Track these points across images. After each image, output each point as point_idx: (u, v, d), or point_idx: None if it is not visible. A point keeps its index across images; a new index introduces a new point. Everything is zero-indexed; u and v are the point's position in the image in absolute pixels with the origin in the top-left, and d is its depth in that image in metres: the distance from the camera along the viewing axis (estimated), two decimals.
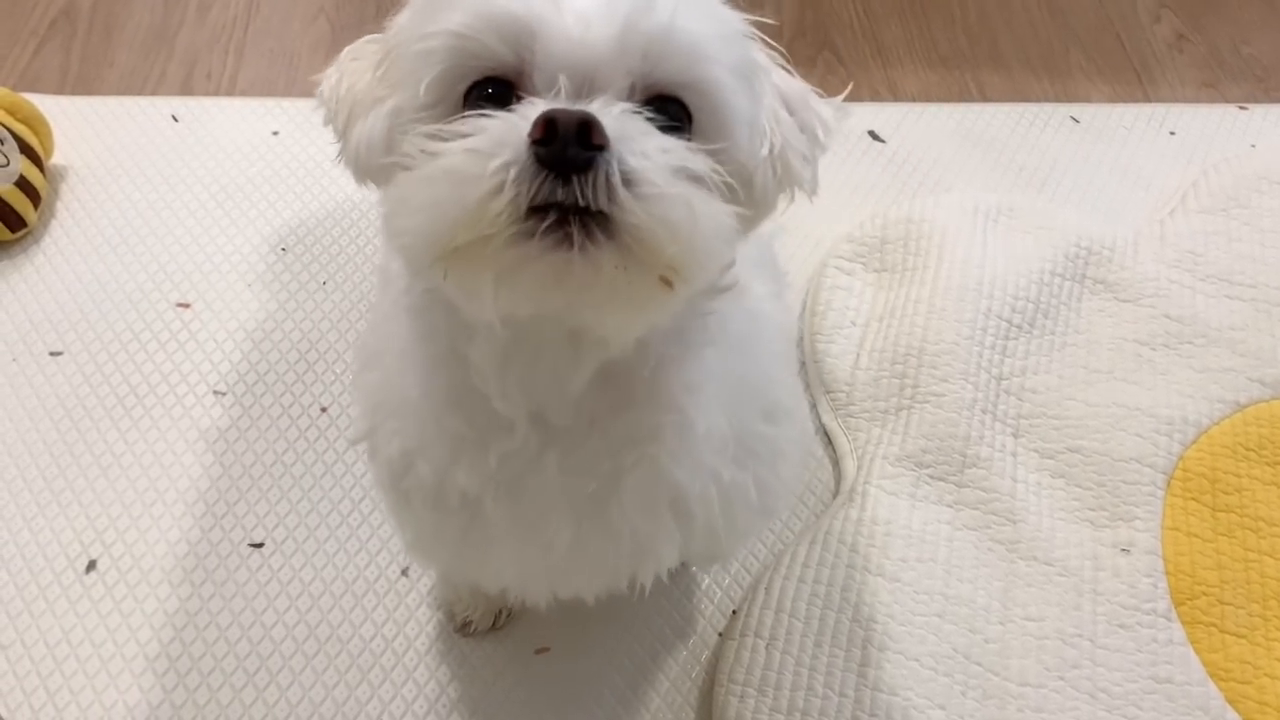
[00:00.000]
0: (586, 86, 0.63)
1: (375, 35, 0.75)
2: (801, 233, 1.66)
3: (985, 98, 1.91)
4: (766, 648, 1.17)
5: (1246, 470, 1.37)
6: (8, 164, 1.53)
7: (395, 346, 0.83)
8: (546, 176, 0.58)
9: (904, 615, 1.20)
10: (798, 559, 1.24)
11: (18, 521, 1.27)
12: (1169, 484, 1.35)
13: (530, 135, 0.58)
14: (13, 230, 1.53)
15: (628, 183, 0.58)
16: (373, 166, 0.69)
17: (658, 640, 1.21)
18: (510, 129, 0.59)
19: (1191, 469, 1.36)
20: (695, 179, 0.62)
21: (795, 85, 0.76)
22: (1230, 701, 1.16)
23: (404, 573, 1.24)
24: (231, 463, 1.34)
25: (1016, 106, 1.89)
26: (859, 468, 1.36)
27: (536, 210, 0.58)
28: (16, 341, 1.44)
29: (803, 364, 1.49)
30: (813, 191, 0.75)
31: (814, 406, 1.44)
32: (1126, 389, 1.44)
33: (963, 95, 1.91)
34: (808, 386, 1.47)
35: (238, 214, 1.62)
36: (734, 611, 1.23)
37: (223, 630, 1.20)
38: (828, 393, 1.44)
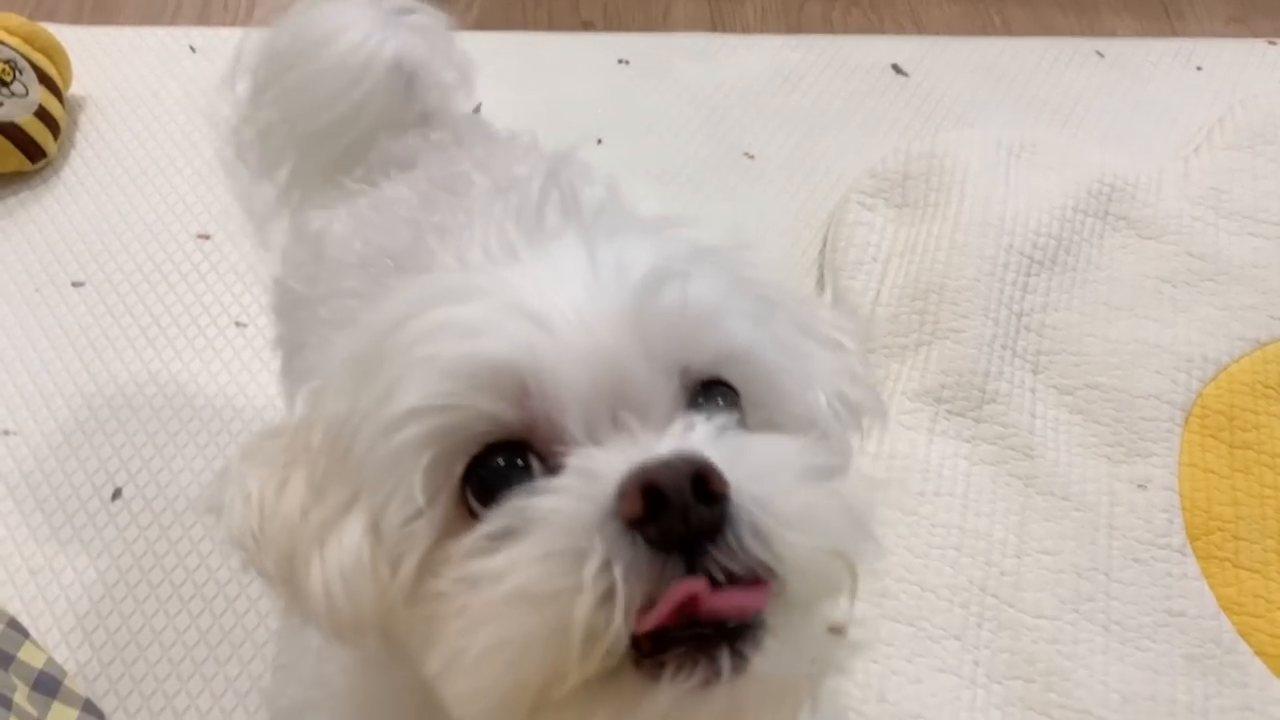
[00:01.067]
0: (624, 407, 0.49)
1: (270, 431, 0.58)
2: (822, 168, 1.65)
3: (1009, 31, 1.89)
4: None
5: (1265, 408, 1.37)
6: (27, 94, 1.52)
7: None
8: (664, 562, 0.44)
9: (921, 548, 1.21)
10: None
11: (44, 450, 1.29)
12: (1187, 420, 1.35)
13: (626, 514, 0.44)
14: (33, 161, 1.52)
15: (772, 516, 0.46)
16: (364, 614, 0.50)
17: None
18: (586, 506, 0.45)
19: (1210, 406, 1.36)
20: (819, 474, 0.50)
21: (786, 297, 0.63)
22: (1242, 634, 1.17)
23: None
24: (255, 393, 1.35)
25: (1041, 40, 1.87)
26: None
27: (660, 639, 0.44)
28: (39, 272, 1.45)
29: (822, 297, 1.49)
30: (881, 415, 0.64)
31: None
32: (1147, 326, 1.44)
33: (986, 29, 1.89)
34: None
35: None
36: None
37: None
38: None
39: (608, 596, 0.43)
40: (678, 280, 0.51)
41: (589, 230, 0.55)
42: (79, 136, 1.61)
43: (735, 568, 0.45)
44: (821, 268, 1.52)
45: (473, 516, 0.49)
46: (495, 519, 0.47)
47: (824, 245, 1.54)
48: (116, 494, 1.25)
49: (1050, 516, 1.25)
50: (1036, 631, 1.16)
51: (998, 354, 1.38)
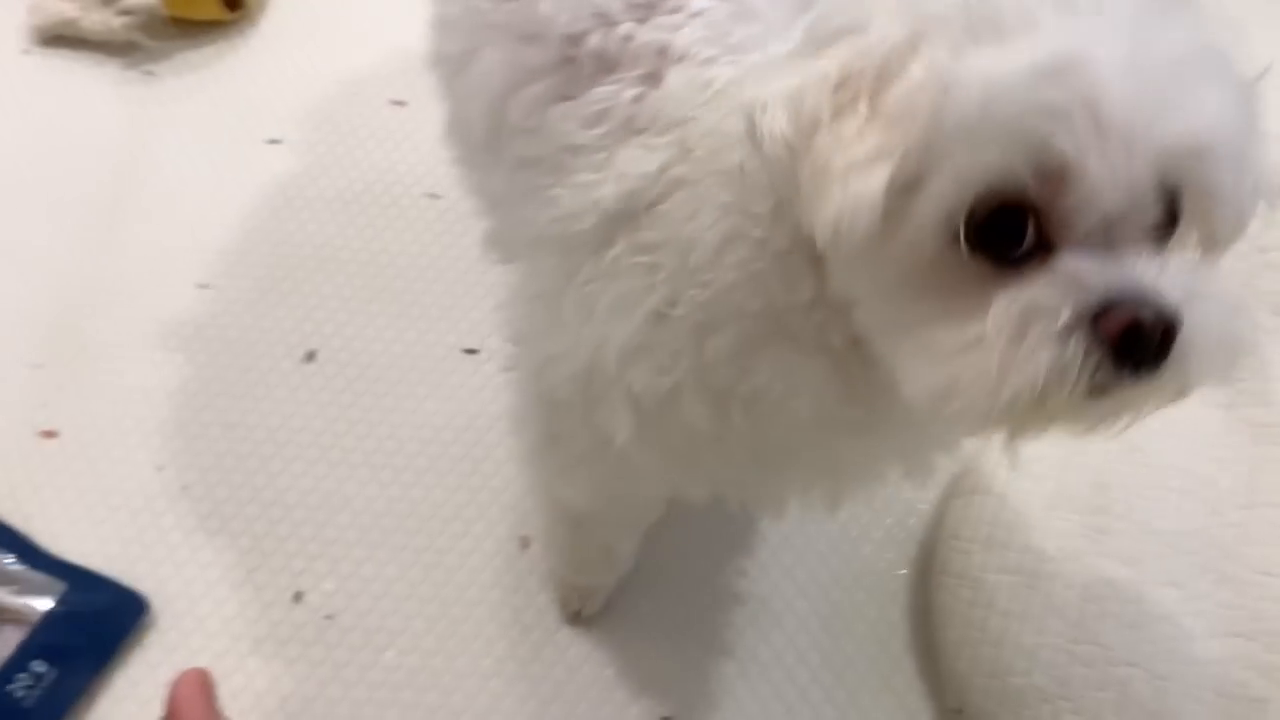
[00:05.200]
0: (1123, 220, 0.56)
1: (832, 56, 0.59)
2: None
3: None
4: (996, 505, 1.12)
5: None
6: None
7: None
8: (1111, 365, 0.55)
9: (1141, 487, 1.13)
10: None
11: (239, 307, 1.27)
12: None
13: (1106, 335, 0.54)
14: (231, 9, 1.50)
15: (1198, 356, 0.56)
16: (854, 244, 0.57)
17: None
18: (1077, 308, 0.55)
19: None
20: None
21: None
22: None
23: None
24: (445, 267, 1.31)
25: None
26: None
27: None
28: (236, 125, 1.43)
29: None
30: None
31: None
32: None
33: None
34: None
35: None
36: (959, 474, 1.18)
37: (437, 431, 1.19)
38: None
39: (1069, 377, 0.54)
40: (1210, 91, 0.56)
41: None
42: None
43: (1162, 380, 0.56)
44: None
45: (971, 241, 0.56)
46: (1019, 296, 0.55)
47: None
48: (310, 356, 1.24)
49: None
50: (1261, 588, 1.09)
51: (1236, 292, 1.28)
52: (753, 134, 0.59)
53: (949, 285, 0.58)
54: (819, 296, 0.65)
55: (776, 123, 0.58)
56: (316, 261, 1.31)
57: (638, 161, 0.72)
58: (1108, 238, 0.56)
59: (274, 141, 1.41)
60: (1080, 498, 1.13)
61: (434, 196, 1.37)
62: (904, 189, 0.56)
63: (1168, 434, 1.17)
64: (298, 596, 1.08)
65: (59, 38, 1.49)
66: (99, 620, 1.05)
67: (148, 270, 1.29)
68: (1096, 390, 0.55)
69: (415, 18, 1.56)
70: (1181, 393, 0.59)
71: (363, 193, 1.37)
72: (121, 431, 1.17)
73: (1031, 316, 0.55)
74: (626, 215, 0.73)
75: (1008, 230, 0.57)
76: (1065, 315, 0.55)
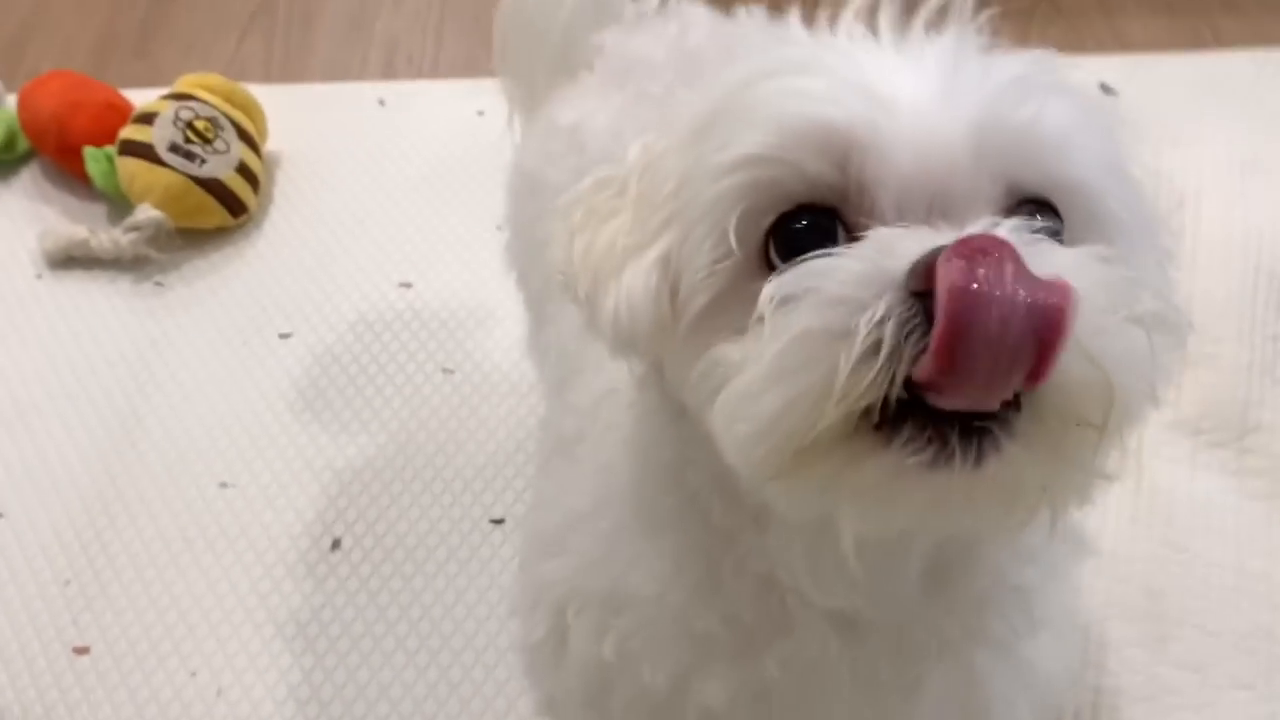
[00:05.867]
0: (939, 205, 0.49)
1: (605, 172, 0.61)
2: None
3: (1222, 44, 1.78)
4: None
5: None
6: (228, 150, 1.54)
7: (604, 526, 0.68)
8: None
9: (1197, 588, 1.11)
10: None
11: (260, 502, 1.27)
12: None
13: (915, 286, 0.44)
14: (235, 215, 1.53)
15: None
16: (640, 334, 0.55)
17: None
18: (875, 270, 0.46)
19: None
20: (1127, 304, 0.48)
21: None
22: None
23: None
24: (465, 439, 1.31)
25: (1259, 52, 1.76)
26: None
27: (904, 408, 0.45)
28: (246, 325, 1.45)
29: None
30: (1180, 333, 0.56)
31: None
32: None
33: (1196, 42, 1.78)
34: None
35: (449, 194, 1.60)
36: None
37: (470, 607, 1.17)
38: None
39: (877, 344, 0.44)
40: (1039, 97, 0.51)
41: (966, 35, 0.55)
42: (276, 191, 1.61)
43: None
44: None
45: (770, 269, 0.51)
46: (791, 271, 0.48)
47: None
48: (335, 545, 1.22)
49: None
50: None
51: (1256, 380, 1.27)
52: (564, 284, 0.59)
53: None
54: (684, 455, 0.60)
55: (562, 257, 0.59)
56: (335, 448, 1.31)
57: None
58: (930, 222, 0.49)
59: (285, 336, 1.43)
60: (1134, 605, 1.10)
61: (448, 371, 1.38)
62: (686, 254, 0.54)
63: (1211, 531, 1.15)
64: None
65: (70, 259, 1.52)
66: None
67: (168, 476, 1.29)
68: (914, 440, 0.45)
69: (417, 199, 1.61)
70: (1073, 423, 0.46)
71: (376, 374, 1.38)
72: (152, 640, 1.15)
73: (836, 292, 0.46)
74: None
75: (817, 241, 0.50)
76: (850, 270, 0.46)
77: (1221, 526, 1.16)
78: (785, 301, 0.47)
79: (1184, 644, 1.07)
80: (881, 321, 0.44)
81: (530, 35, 1.08)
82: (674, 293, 0.54)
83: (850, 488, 0.47)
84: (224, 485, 1.28)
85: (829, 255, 0.48)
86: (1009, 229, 0.46)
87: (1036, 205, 0.52)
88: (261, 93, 1.69)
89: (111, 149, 1.54)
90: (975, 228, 0.46)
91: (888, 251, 0.46)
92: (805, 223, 0.51)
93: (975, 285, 0.42)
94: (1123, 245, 0.53)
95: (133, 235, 1.48)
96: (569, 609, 0.70)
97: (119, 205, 1.55)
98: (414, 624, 1.16)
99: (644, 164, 0.58)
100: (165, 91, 1.59)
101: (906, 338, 0.44)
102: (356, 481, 1.28)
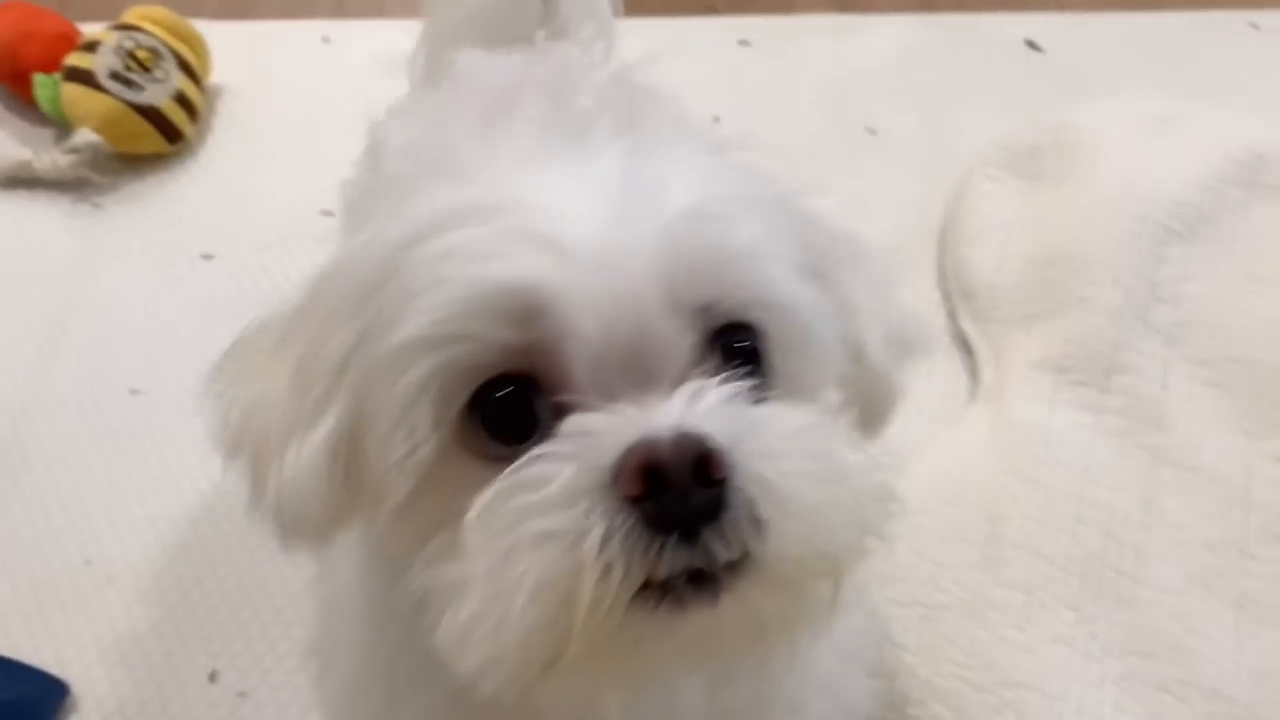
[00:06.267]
0: (634, 364, 0.48)
1: (264, 322, 0.58)
2: (948, 145, 1.60)
3: (1155, 5, 1.80)
4: (891, 547, 1.14)
5: None
6: (167, 80, 1.59)
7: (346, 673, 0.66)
8: (663, 541, 0.44)
9: (1037, 515, 1.15)
10: (927, 461, 1.21)
11: (168, 406, 1.34)
12: None
13: (625, 492, 0.44)
14: (171, 142, 1.60)
15: (770, 505, 0.45)
16: (308, 523, 0.52)
17: None
18: (582, 472, 0.45)
19: None
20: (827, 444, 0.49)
21: (831, 234, 0.60)
22: None
23: None
24: None
25: (1189, 14, 1.78)
26: (997, 373, 1.31)
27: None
28: (173, 245, 1.51)
29: (942, 271, 1.44)
30: (927, 351, 0.63)
31: (952, 314, 1.40)
32: None
33: (1129, 3, 1.81)
34: (947, 295, 1.42)
35: None
36: None
37: None
38: (967, 299, 1.39)
39: (607, 571, 0.43)
40: (717, 222, 0.49)
41: (637, 147, 0.53)
42: (216, 122, 1.68)
43: (732, 552, 0.45)
44: (942, 240, 1.47)
45: (473, 452, 0.49)
46: (495, 489, 0.46)
47: (945, 219, 1.49)
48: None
49: (1179, 490, 1.18)
50: (1160, 606, 1.09)
51: (1128, 324, 1.31)
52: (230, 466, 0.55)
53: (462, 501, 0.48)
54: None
55: (219, 421, 0.56)
56: None
57: None
58: (633, 388, 0.47)
59: (208, 257, 1.49)
60: (976, 530, 1.14)
61: None
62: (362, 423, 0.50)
63: (1061, 463, 1.19)
64: (213, 676, 1.11)
65: (16, 179, 1.59)
66: (20, 707, 1.08)
67: (85, 381, 1.36)
68: (645, 597, 0.44)
69: (345, 139, 1.66)
70: (791, 590, 0.48)
71: (291, 294, 1.44)
72: (53, 530, 1.23)
73: (515, 496, 0.45)
74: None
75: (515, 414, 0.48)
76: (559, 482, 0.44)
77: (1071, 459, 1.20)
78: (490, 527, 0.46)
79: (1017, 566, 1.11)
80: (606, 545, 0.43)
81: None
82: (353, 472, 0.51)
83: (612, 670, 0.47)
84: (134, 392, 1.35)
85: (531, 462, 0.45)
86: (713, 403, 0.46)
87: (733, 328, 0.51)
88: (212, 27, 1.75)
89: (58, 76, 1.60)
90: (669, 416, 0.46)
91: (592, 445, 0.45)
92: (505, 392, 0.48)
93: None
94: (826, 339, 0.54)
95: (72, 157, 1.55)
96: None
97: (65, 130, 1.61)
98: None
99: (303, 313, 0.55)
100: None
101: (636, 548, 0.44)
102: None
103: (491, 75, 0.90)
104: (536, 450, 0.46)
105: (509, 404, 0.48)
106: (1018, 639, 1.06)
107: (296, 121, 1.67)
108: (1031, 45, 1.74)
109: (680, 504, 0.44)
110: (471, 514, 0.46)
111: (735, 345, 0.51)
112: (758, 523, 0.45)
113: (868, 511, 0.50)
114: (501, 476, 0.46)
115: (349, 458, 0.51)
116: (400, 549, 0.51)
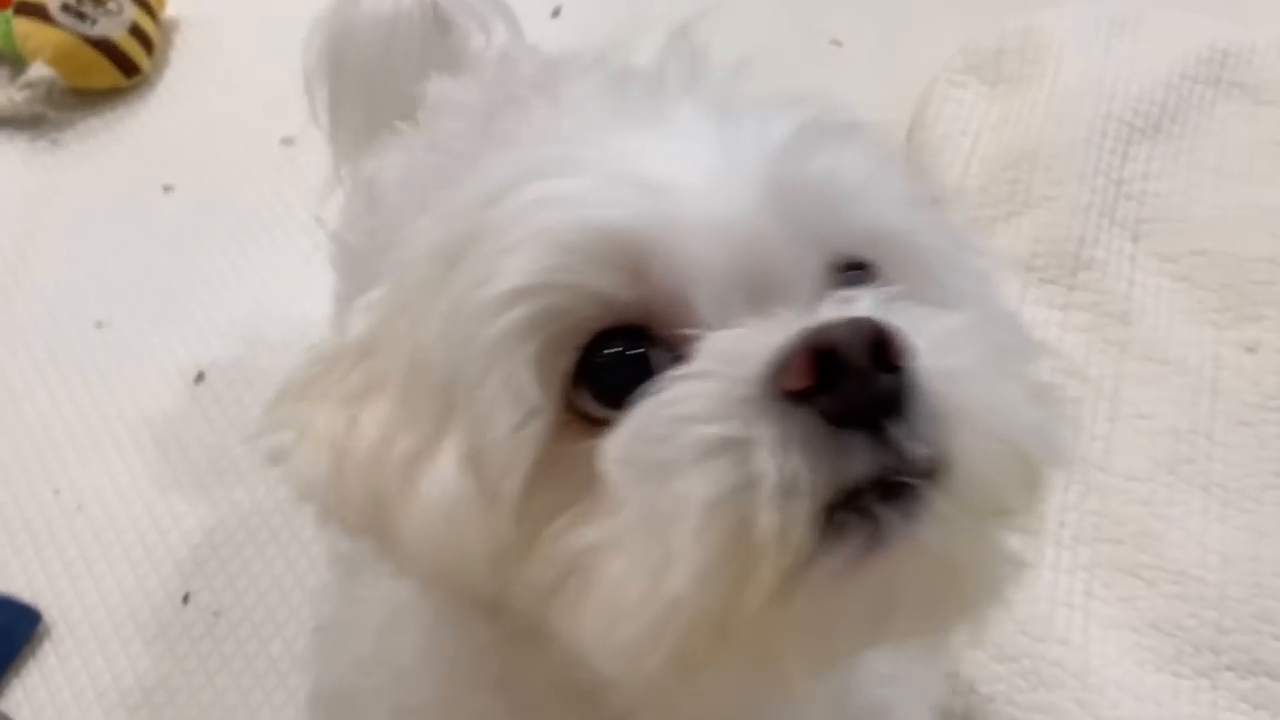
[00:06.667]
0: (759, 290, 0.42)
1: (321, 359, 0.49)
2: (911, 54, 1.59)
3: None
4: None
5: None
6: (121, 12, 1.57)
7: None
8: (840, 443, 0.37)
9: None
10: None
11: (132, 337, 1.33)
12: None
13: (792, 385, 0.37)
14: (128, 76, 1.58)
15: (959, 393, 0.39)
16: (472, 558, 0.43)
17: None
18: (731, 386, 0.38)
19: None
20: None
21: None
22: None
23: None
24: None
25: None
26: None
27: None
28: (133, 178, 1.50)
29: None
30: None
31: None
32: (1261, 190, 1.34)
33: None
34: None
35: None
36: None
37: None
38: (932, 204, 1.39)
39: (790, 483, 0.36)
40: (826, 147, 0.45)
41: (716, 95, 0.48)
42: (173, 54, 1.66)
43: (921, 453, 0.38)
44: (907, 147, 1.46)
45: (587, 421, 0.42)
46: (630, 420, 0.39)
47: (910, 125, 1.48)
48: (200, 378, 1.28)
49: (1147, 381, 1.18)
50: (1128, 494, 1.10)
51: (1094, 221, 1.30)
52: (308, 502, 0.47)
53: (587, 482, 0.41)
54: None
55: (306, 474, 0.47)
56: (209, 292, 1.37)
57: None
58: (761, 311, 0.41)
59: (168, 189, 1.48)
60: None
61: (320, 220, 1.42)
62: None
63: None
64: (186, 598, 1.11)
65: None
66: None
67: (49, 316, 1.35)
68: (834, 524, 0.37)
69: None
70: (993, 496, 0.41)
71: (252, 224, 1.43)
72: (21, 459, 1.22)
73: (663, 417, 0.39)
74: None
75: (631, 372, 0.41)
76: (713, 392, 0.38)
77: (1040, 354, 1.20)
78: (638, 458, 0.39)
79: None
80: (783, 450, 0.37)
81: (349, 83, 1.00)
82: (496, 483, 0.42)
83: (791, 636, 0.39)
84: (100, 324, 1.34)
85: (673, 383, 0.39)
86: (865, 305, 0.41)
87: (855, 267, 0.46)
88: None
89: (9, 11, 1.58)
90: (826, 310, 0.40)
91: (734, 359, 0.39)
92: (613, 350, 0.42)
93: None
94: (946, 271, 0.49)
95: (26, 93, 1.53)
96: None
97: (19, 66, 1.59)
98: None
99: (385, 331, 0.47)
100: None
101: (815, 456, 0.37)
102: (226, 320, 1.34)
103: (470, 92, 0.85)
104: (677, 372, 0.40)
105: (622, 362, 0.42)
106: None
107: (254, 52, 1.64)
108: None
109: (863, 391, 0.37)
110: (611, 454, 0.40)
111: (860, 283, 0.45)
112: (947, 417, 0.38)
113: (1051, 408, 0.44)
114: (640, 406, 0.40)
115: (477, 468, 0.43)
116: (513, 569, 0.43)
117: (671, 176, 0.43)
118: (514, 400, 0.41)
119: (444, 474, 0.43)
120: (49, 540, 1.16)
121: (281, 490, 1.18)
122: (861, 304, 0.40)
